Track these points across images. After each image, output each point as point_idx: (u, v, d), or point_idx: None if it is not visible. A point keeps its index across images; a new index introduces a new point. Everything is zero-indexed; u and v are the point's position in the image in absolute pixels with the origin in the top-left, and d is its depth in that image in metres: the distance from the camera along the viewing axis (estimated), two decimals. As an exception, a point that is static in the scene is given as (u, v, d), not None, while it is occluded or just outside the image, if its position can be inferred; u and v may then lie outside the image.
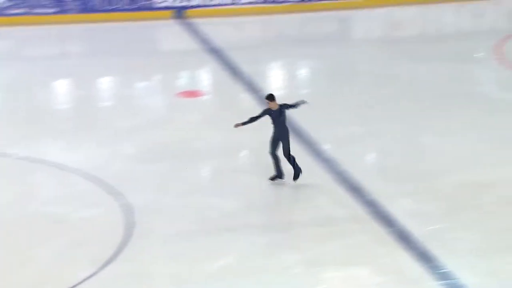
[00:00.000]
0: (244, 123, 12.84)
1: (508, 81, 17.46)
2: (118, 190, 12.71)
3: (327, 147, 14.15)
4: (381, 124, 15.15)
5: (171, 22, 22.92)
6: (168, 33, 22.87)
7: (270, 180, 12.85)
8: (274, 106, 12.59)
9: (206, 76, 19.56)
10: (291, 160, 12.73)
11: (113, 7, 23.18)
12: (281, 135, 12.62)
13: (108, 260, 10.78)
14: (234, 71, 18.61)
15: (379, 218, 11.67)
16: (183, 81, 19.12)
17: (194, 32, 21.92)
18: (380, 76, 18.18)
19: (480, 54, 19.41)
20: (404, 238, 11.11)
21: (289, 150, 12.65)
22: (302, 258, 10.83)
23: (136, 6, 23.22)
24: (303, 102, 12.84)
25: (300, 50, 20.39)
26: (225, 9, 23.44)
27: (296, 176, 12.77)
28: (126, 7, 23.20)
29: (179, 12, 23.31)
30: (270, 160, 13.74)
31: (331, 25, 23.18)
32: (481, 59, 19.12)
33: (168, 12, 23.27)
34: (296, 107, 12.81)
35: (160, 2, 23.34)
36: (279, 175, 12.87)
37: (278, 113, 12.58)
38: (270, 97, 12.65)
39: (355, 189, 12.56)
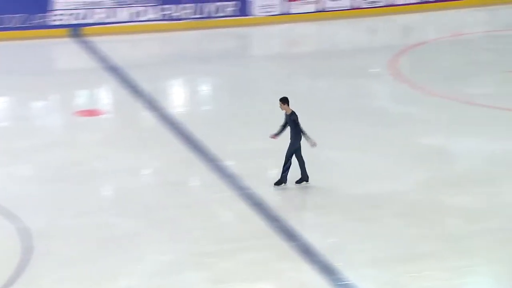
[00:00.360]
0: (277, 134, 13.09)
1: (403, 95, 17.91)
2: (14, 213, 12.32)
3: (230, 163, 14.17)
4: (282, 139, 15.23)
5: (68, 40, 22.49)
6: (64, 52, 22.43)
7: (296, 184, 13.03)
8: (285, 110, 12.95)
9: (105, 94, 19.28)
10: (287, 165, 12.94)
11: (5, 25, 22.57)
12: (290, 137, 12.93)
13: (4, 285, 10.41)
14: (134, 89, 18.42)
15: (282, 233, 11.72)
16: (81, 100, 18.78)
17: (92, 50, 21.60)
18: (280, 92, 18.08)
19: (376, 70, 19.86)
20: (307, 251, 11.20)
21: (291, 155, 12.89)
22: (208, 275, 10.77)
23: (29, 25, 22.68)
24: (311, 142, 12.88)
25: (200, 67, 20.37)
26: (123, 26, 23.20)
27: (278, 182, 13.03)
28: (19, 25, 22.64)
29: (76, 30, 22.92)
30: (171, 179, 13.69)
31: (231, 42, 23.28)
32: (377, 74, 19.54)
33: (64, 30, 22.84)
34: (302, 134, 12.88)
35: (55, 20, 22.88)
36: (304, 178, 13.04)
37: (288, 118, 12.93)
38: (282, 100, 12.98)
39: (258, 204, 12.60)
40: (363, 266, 10.86)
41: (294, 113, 12.92)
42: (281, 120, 16.32)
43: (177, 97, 19.25)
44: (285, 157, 12.96)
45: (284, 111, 13.05)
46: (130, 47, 22.57)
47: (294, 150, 12.95)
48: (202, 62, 20.67)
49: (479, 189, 13.02)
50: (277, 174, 14.06)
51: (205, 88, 19.99)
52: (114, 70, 19.79)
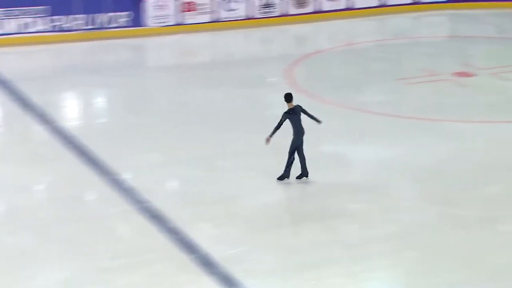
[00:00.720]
0: (271, 134, 13.23)
1: (300, 104, 17.99)
2: None
3: (126, 176, 13.90)
4: (178, 150, 15.15)
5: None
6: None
7: (297, 179, 13.42)
8: (290, 106, 13.27)
9: (-7, 108, 18.62)
10: (290, 160, 13.27)
11: None
12: (293, 133, 13.28)
13: None
14: (24, 102, 17.85)
15: (181, 245, 11.58)
16: (-32, 115, 18.07)
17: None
18: (175, 103, 18.21)
19: (272, 79, 19.95)
20: (207, 263, 11.10)
21: (294, 151, 13.23)
22: (105, 292, 10.53)
23: None
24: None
25: (94, 78, 19.96)
26: (10, 38, 22.50)
27: (281, 177, 13.39)
28: None
29: (-39, 43, 22.09)
30: (66, 193, 13.30)
31: (125, 53, 22.97)
32: (273, 84, 19.61)
33: None
34: (315, 119, 13.50)
35: None
36: (304, 173, 13.43)
37: (293, 112, 13.26)
38: (286, 98, 13.33)
39: (157, 218, 12.40)
40: (264, 276, 10.83)
41: (291, 109, 13.20)
42: (179, 131, 16.28)
43: (70, 110, 18.76)
44: (288, 153, 13.26)
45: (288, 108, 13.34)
46: (19, 59, 21.90)
47: (296, 146, 13.24)
48: (95, 74, 20.28)
49: (374, 195, 13.20)
50: (174, 185, 13.90)
51: (99, 100, 19.60)
52: (2, 83, 19.15)
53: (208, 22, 24.36)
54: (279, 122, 13.20)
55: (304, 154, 13.38)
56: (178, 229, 12.01)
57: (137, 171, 14.12)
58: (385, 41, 23.83)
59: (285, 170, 13.41)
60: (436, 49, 22.69)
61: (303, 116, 13.38)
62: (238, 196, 13.17)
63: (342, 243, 11.66)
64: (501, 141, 15.49)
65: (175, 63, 22.77)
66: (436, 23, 26.20)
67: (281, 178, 13.45)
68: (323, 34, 24.74)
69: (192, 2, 24.17)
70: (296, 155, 13.38)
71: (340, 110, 17.44)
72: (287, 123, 13.25)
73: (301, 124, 13.28)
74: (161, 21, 23.97)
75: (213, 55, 23.30)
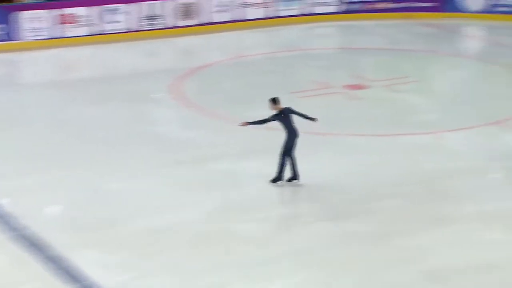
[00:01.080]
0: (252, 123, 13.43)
1: (188, 120, 17.43)
2: None
3: (1, 201, 12.77)
4: (59, 172, 14.23)
5: None
6: None
7: (286, 182, 13.40)
8: (277, 109, 13.30)
9: None
10: (281, 162, 13.27)
11: None
12: (285, 134, 13.27)
13: None
14: None
15: (63, 274, 10.64)
16: None
17: None
18: (54, 121, 17.25)
19: (159, 94, 19.31)
20: (94, 293, 10.26)
21: (287, 152, 13.20)
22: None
23: None
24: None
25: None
26: None
27: (275, 179, 13.42)
28: None
29: None
30: None
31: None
32: (159, 99, 19.01)
33: None
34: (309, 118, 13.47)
35: None
36: (295, 176, 13.40)
37: (282, 113, 13.28)
38: (273, 101, 13.31)
39: (35, 245, 11.39)
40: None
41: (279, 111, 13.19)
42: (59, 151, 15.24)
43: None
44: (279, 156, 13.28)
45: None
46: None
47: (288, 148, 13.24)
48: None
49: (270, 213, 12.70)
50: (55, 210, 12.91)
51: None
52: None
53: (89, 35, 23.66)
54: (264, 119, 13.28)
55: (295, 156, 13.29)
56: (60, 257, 11.06)
57: (12, 196, 13.09)
58: (275, 53, 23.76)
59: (278, 173, 13.37)
60: (327, 61, 22.76)
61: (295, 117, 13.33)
62: (126, 219, 12.31)
63: (238, 264, 11.07)
64: (396, 155, 15.22)
65: (54, 78, 21.76)
66: (326, 34, 26.44)
67: (274, 180, 13.43)
68: (212, 47, 24.64)
69: (71, 14, 23.38)
70: (293, 155, 13.28)
71: (231, 125, 16.76)
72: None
73: (292, 126, 13.21)
74: (36, 34, 22.99)
75: (95, 69, 22.54)
